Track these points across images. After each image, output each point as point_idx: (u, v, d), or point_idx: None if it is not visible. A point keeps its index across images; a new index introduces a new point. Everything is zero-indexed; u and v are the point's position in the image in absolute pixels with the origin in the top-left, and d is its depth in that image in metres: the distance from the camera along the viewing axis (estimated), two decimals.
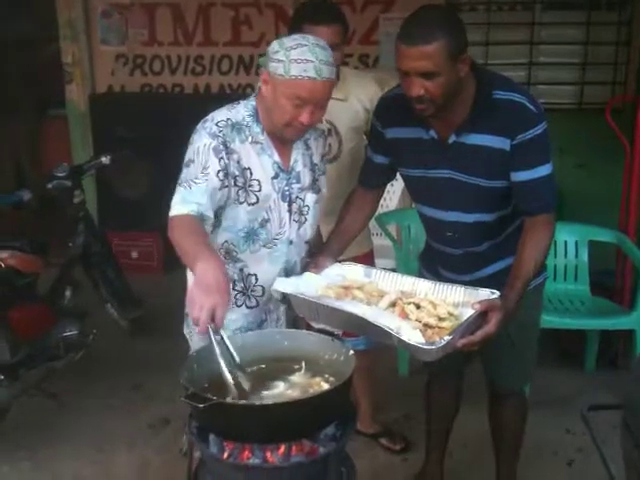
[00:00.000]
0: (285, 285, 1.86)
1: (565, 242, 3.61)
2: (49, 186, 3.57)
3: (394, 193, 4.32)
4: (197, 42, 5.18)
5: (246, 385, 1.65)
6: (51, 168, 3.67)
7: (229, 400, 1.53)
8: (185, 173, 1.85)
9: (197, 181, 1.82)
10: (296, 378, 1.73)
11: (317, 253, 2.08)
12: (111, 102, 5.27)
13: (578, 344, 3.62)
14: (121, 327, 3.90)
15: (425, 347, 1.59)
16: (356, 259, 2.31)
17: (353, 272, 1.98)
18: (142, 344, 3.86)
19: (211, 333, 1.57)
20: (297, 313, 1.91)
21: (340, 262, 2.06)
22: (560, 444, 2.99)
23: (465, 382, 2.58)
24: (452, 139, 1.98)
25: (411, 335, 1.60)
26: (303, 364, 1.75)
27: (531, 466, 2.79)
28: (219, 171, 1.84)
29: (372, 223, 3.58)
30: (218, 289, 1.57)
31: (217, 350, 1.59)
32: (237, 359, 1.67)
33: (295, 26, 2.46)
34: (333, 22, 2.45)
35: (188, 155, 1.87)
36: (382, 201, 4.42)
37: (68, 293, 3.52)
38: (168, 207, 1.84)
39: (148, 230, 4.95)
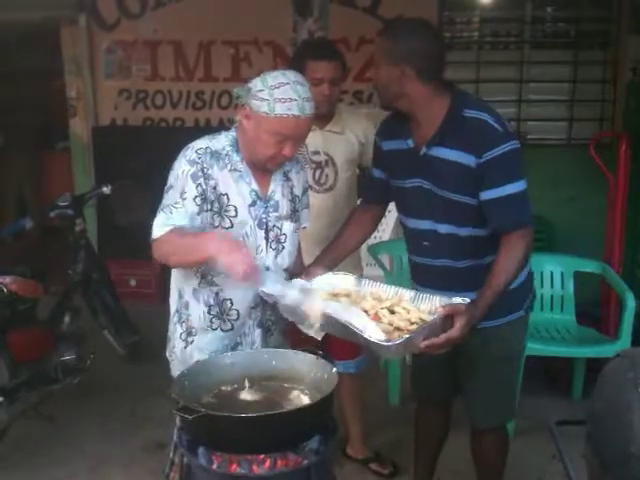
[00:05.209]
0: (273, 289, 1.93)
1: (551, 273, 3.70)
2: (51, 215, 3.69)
3: (387, 225, 4.42)
4: (198, 78, 5.33)
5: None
6: (54, 198, 3.79)
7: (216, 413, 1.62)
8: (166, 199, 1.94)
9: (177, 206, 1.91)
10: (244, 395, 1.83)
11: (310, 264, 2.17)
12: (113, 135, 5.41)
13: (565, 372, 3.69)
14: (118, 352, 3.97)
15: (383, 343, 1.69)
16: None
17: (344, 281, 2.05)
18: (138, 369, 3.92)
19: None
20: (284, 316, 1.99)
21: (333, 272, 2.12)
22: (545, 469, 3.03)
23: (458, 410, 2.62)
24: (423, 150, 2.10)
25: (372, 332, 1.69)
26: (246, 382, 1.85)
27: None
28: (196, 197, 1.92)
29: (365, 253, 3.71)
30: (238, 246, 1.83)
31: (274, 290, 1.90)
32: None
33: (297, 61, 2.62)
34: (333, 58, 2.64)
35: (169, 181, 1.95)
36: (375, 232, 4.59)
37: (67, 318, 3.60)
38: None
39: (146, 259, 4.99)
